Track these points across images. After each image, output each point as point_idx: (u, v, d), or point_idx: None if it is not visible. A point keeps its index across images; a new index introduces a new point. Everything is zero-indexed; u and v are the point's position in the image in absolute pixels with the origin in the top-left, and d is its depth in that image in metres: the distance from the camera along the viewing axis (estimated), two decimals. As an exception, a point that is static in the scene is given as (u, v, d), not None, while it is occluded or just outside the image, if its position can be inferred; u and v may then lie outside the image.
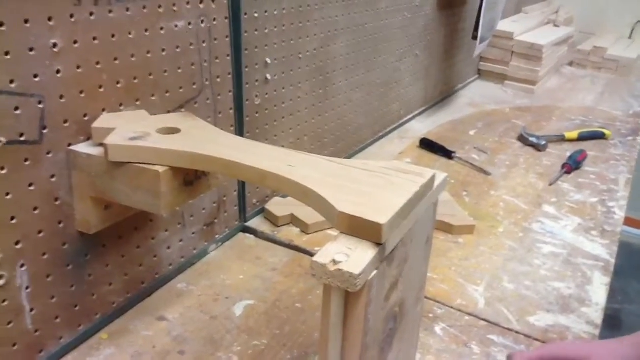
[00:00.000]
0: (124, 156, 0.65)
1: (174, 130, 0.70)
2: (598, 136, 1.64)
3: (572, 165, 1.39)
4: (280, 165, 0.60)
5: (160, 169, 0.64)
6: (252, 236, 1.03)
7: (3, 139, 0.61)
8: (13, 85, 0.61)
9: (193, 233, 0.92)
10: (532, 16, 2.52)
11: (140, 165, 0.64)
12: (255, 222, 1.06)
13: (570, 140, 1.60)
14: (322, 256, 0.48)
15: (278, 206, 1.08)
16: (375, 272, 0.50)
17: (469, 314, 0.87)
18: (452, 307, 0.88)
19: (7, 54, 0.59)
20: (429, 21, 1.62)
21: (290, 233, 1.04)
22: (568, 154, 1.45)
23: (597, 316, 0.88)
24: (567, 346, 0.72)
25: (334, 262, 0.48)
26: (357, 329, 0.50)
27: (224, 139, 0.69)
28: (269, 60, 1.01)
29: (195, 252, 0.93)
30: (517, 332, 0.84)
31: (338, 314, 0.50)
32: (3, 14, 0.58)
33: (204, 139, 0.67)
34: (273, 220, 1.06)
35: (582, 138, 1.61)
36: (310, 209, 0.58)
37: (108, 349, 0.75)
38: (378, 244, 0.50)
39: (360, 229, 0.51)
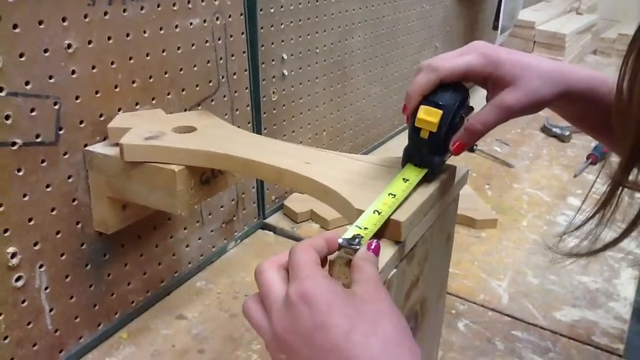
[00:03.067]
0: (139, 156, 0.64)
1: (189, 129, 0.69)
2: (624, 126, 1.59)
3: (598, 155, 1.36)
4: (297, 163, 0.59)
5: (176, 168, 0.63)
6: (271, 233, 1.02)
7: (19, 141, 0.61)
8: (28, 87, 0.61)
9: (212, 231, 0.92)
10: (554, 4, 2.47)
11: (156, 164, 0.64)
12: (274, 219, 1.05)
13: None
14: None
15: (297, 202, 1.07)
16: (394, 270, 0.49)
17: (493, 310, 0.85)
18: (475, 303, 0.87)
19: (21, 55, 0.59)
20: (448, 12, 1.60)
21: (309, 229, 1.03)
22: (593, 145, 1.42)
23: (626, 311, 0.86)
24: (501, 55, 0.57)
25: (352, 261, 0.47)
26: (376, 329, 0.49)
27: (240, 136, 0.68)
28: (285, 56, 1.00)
29: (214, 249, 0.93)
30: (542, 328, 0.82)
31: (357, 313, 0.49)
32: (17, 16, 0.58)
33: (220, 137, 0.67)
34: (292, 216, 1.06)
35: (608, 128, 1.57)
36: (329, 205, 0.57)
37: (128, 348, 0.75)
38: (397, 242, 0.49)
39: (378, 226, 0.50)
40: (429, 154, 0.55)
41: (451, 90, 0.55)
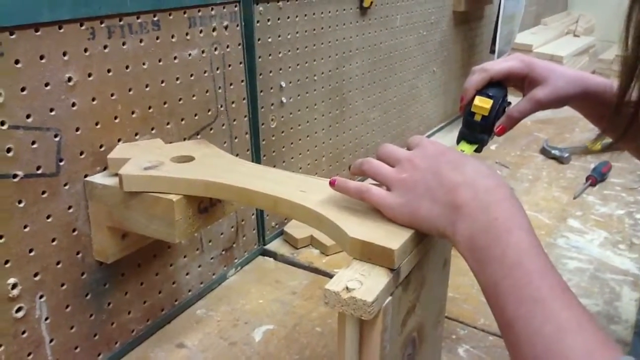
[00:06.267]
0: (138, 186, 0.65)
1: (187, 159, 0.70)
2: (623, 146, 1.60)
3: (597, 177, 1.36)
4: (292, 191, 0.60)
5: (174, 197, 0.64)
6: (271, 259, 1.03)
7: (21, 173, 0.62)
8: (29, 120, 0.62)
9: (212, 258, 0.92)
10: (552, 27, 2.50)
11: (155, 194, 0.65)
12: (275, 245, 1.06)
13: (594, 152, 1.57)
14: (335, 283, 0.48)
15: (297, 228, 1.07)
16: (389, 298, 0.49)
17: (493, 334, 0.85)
18: (475, 328, 0.87)
19: (23, 89, 0.61)
20: (445, 37, 1.62)
21: (310, 255, 1.04)
22: (592, 166, 1.42)
23: (627, 333, 0.85)
24: (535, 62, 0.77)
25: (347, 289, 0.47)
26: (373, 357, 0.50)
27: (238, 165, 0.69)
28: (283, 84, 1.01)
29: (214, 277, 0.93)
30: (543, 352, 0.81)
31: (353, 341, 0.50)
32: (19, 51, 0.60)
33: (217, 166, 0.68)
34: (292, 242, 1.06)
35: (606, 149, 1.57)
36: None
37: (129, 378, 0.75)
38: (392, 269, 0.50)
39: (372, 254, 0.50)
40: (480, 133, 0.74)
41: (498, 87, 0.75)
